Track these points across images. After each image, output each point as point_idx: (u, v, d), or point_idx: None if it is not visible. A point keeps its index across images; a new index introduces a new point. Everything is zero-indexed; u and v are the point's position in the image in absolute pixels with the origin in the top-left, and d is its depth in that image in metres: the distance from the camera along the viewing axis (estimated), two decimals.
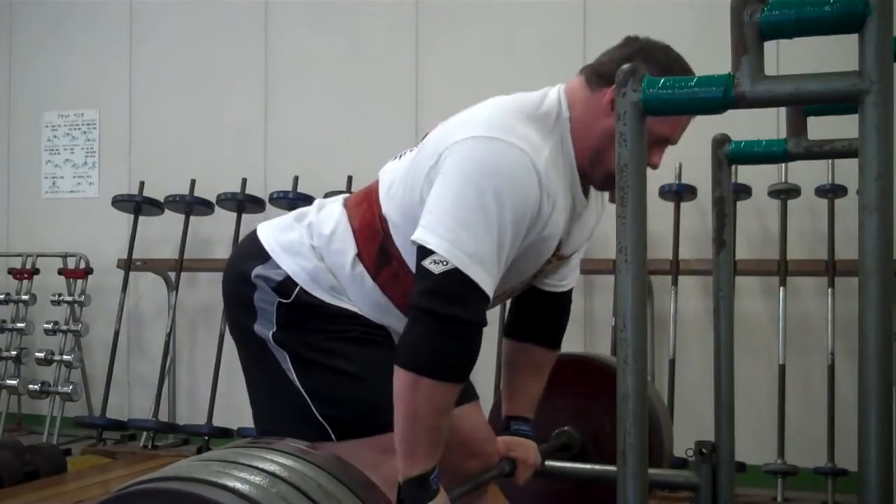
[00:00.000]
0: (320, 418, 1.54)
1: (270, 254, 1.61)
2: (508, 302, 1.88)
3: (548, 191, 1.45)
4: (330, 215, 1.63)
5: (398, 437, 1.41)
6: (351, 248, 1.58)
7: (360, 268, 1.57)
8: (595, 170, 1.57)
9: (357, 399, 1.54)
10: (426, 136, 1.59)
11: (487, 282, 1.38)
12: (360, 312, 1.59)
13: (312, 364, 1.57)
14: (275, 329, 1.58)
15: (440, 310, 1.36)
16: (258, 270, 1.60)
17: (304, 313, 1.58)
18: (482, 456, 1.75)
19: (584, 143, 1.53)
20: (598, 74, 1.54)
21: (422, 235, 1.40)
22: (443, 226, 1.38)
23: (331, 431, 1.53)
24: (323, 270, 1.58)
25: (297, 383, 1.56)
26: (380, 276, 1.56)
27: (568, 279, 1.83)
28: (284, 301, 1.58)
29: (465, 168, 1.40)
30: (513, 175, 1.40)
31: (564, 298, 1.86)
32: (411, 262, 1.48)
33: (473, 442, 1.73)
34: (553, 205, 1.47)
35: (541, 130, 1.49)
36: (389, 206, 1.56)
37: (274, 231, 1.66)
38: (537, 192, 1.43)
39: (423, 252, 1.39)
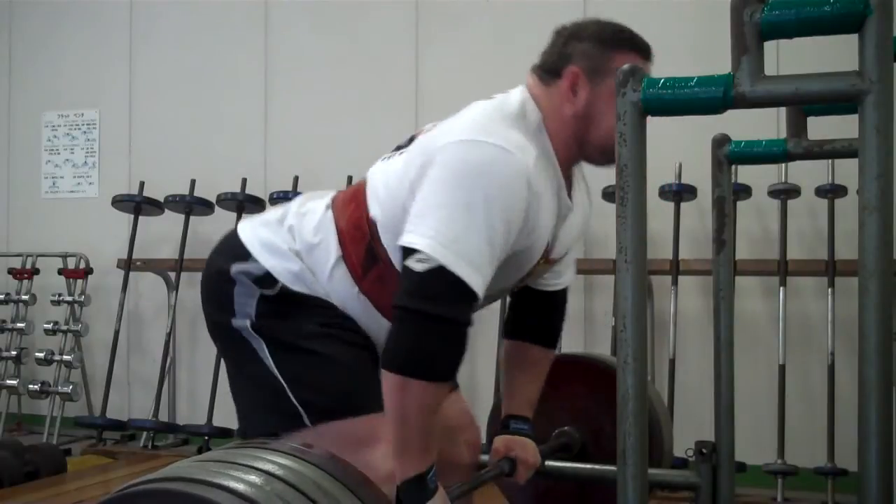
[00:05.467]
0: (295, 402, 1.53)
1: (252, 252, 1.60)
2: (507, 303, 1.89)
3: (535, 191, 1.45)
4: (313, 215, 1.62)
5: (391, 439, 1.41)
6: (334, 251, 1.57)
7: (342, 271, 1.56)
8: (587, 152, 1.59)
9: (333, 381, 1.53)
10: (413, 137, 1.59)
11: (476, 279, 1.36)
12: (344, 311, 1.59)
13: (290, 348, 1.56)
14: (253, 318, 1.58)
15: (425, 309, 1.34)
16: (238, 266, 1.60)
17: (286, 304, 1.58)
18: (468, 443, 1.77)
19: (562, 135, 1.56)
20: (546, 70, 1.59)
21: (407, 237, 1.39)
22: (427, 226, 1.37)
23: (304, 415, 1.53)
24: (308, 272, 1.58)
25: (274, 368, 1.56)
26: (367, 278, 1.56)
27: (563, 278, 1.83)
28: (267, 293, 1.57)
29: (450, 170, 1.40)
30: (500, 175, 1.39)
31: (560, 297, 1.86)
32: (398, 264, 1.47)
33: (457, 429, 1.75)
34: (540, 206, 1.47)
35: (526, 132, 1.50)
36: (376, 210, 1.55)
37: (255, 230, 1.65)
38: (525, 192, 1.42)
39: (407, 252, 1.38)
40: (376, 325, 1.58)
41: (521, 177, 1.41)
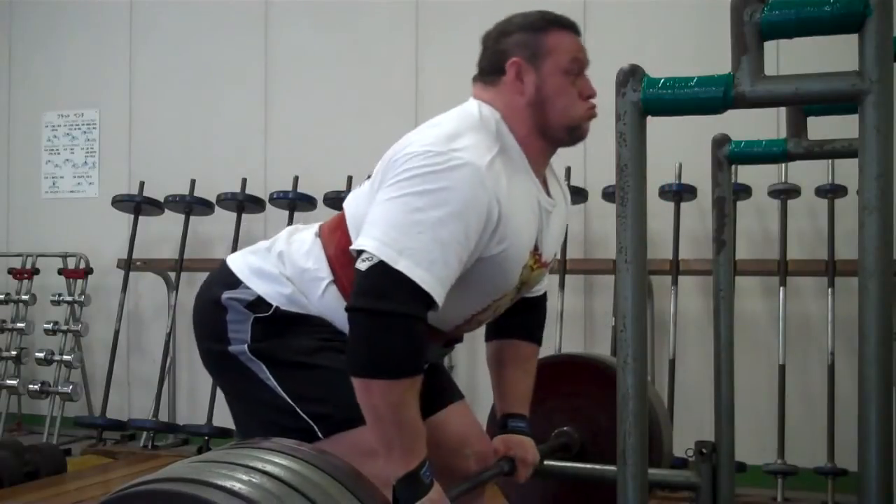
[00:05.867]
0: (306, 418, 1.54)
1: (242, 279, 1.62)
2: None
3: (495, 192, 1.45)
4: (302, 244, 1.64)
5: (374, 439, 1.42)
6: (325, 276, 1.59)
7: (334, 291, 1.58)
8: (553, 135, 1.59)
9: (339, 391, 1.52)
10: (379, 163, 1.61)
11: (422, 275, 1.37)
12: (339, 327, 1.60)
13: (291, 366, 1.57)
14: (249, 342, 1.59)
15: (369, 306, 1.36)
16: (229, 294, 1.62)
17: (281, 324, 1.59)
18: (475, 455, 1.75)
19: (524, 129, 1.57)
20: (488, 72, 1.62)
21: (357, 241, 1.42)
22: (375, 229, 1.40)
23: (317, 429, 1.53)
24: (300, 294, 1.60)
25: (278, 388, 1.57)
26: None
27: (542, 283, 1.83)
28: (262, 315, 1.59)
29: (402, 179, 1.42)
30: (451, 179, 1.40)
31: (540, 300, 1.88)
32: None
33: (464, 441, 1.74)
34: (504, 206, 1.47)
35: (486, 136, 1.52)
36: (355, 236, 1.56)
37: (244, 258, 1.67)
38: (482, 194, 1.43)
39: (356, 256, 1.41)
40: None
41: (474, 180, 1.42)
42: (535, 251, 1.60)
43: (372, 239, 1.39)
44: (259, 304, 1.60)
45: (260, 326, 1.59)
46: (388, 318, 1.36)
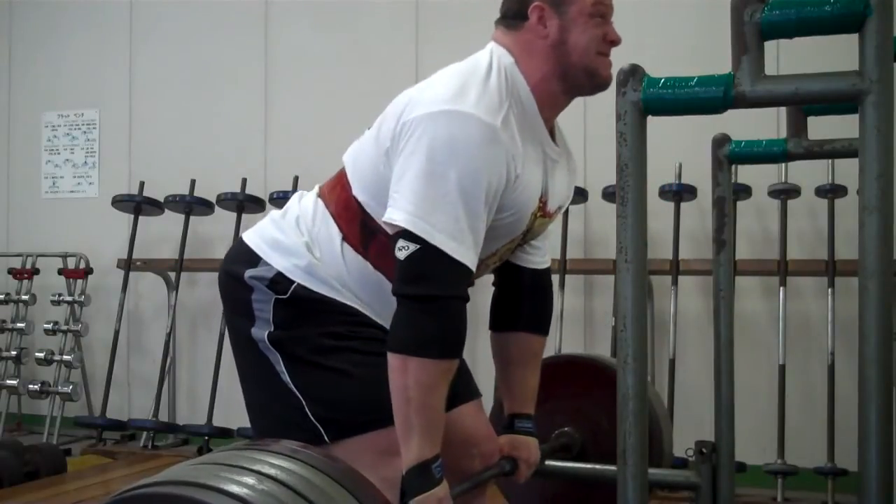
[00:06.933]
0: (313, 419, 1.54)
1: (260, 255, 1.62)
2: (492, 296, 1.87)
3: (510, 149, 1.46)
4: (308, 208, 1.65)
5: (396, 423, 1.42)
6: (336, 234, 1.60)
7: (349, 250, 1.59)
8: (574, 79, 1.58)
9: (350, 396, 1.53)
10: (385, 113, 1.61)
11: (461, 251, 1.40)
12: (360, 308, 1.59)
13: (306, 363, 1.57)
14: (271, 329, 1.59)
15: (414, 291, 1.41)
16: (251, 272, 1.61)
17: (301, 310, 1.58)
18: (482, 455, 1.75)
19: (540, 73, 1.56)
20: (510, 16, 1.60)
21: (389, 214, 1.44)
22: (403, 200, 1.41)
23: (323, 432, 1.53)
24: (318, 265, 1.59)
25: (290, 384, 1.57)
26: (370, 252, 1.57)
27: (546, 255, 1.83)
28: (282, 297, 1.58)
29: (422, 145, 1.42)
30: (470, 142, 1.41)
31: (546, 278, 1.86)
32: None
33: (473, 441, 1.73)
34: (517, 157, 1.48)
35: (497, 89, 1.51)
36: (358, 187, 1.59)
37: (259, 231, 1.68)
38: (499, 153, 1.44)
39: (394, 238, 1.43)
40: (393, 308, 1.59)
41: (493, 140, 1.43)
42: (541, 198, 1.60)
43: (402, 211, 1.41)
44: (279, 281, 1.59)
45: (280, 309, 1.59)
46: (435, 302, 1.41)
